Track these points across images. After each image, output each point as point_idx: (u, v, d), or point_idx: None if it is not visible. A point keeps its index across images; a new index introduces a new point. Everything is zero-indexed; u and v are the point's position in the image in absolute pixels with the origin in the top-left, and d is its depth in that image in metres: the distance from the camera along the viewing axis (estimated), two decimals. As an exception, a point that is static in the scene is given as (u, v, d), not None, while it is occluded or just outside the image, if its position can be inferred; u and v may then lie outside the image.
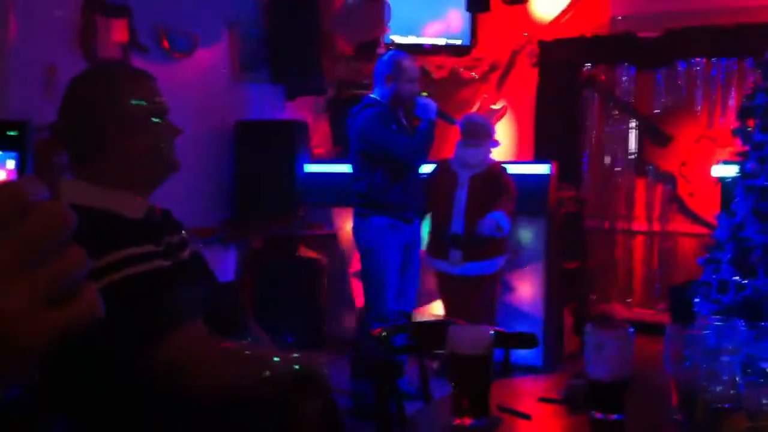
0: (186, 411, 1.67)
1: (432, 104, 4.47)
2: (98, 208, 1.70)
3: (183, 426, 1.71)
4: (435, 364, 4.64)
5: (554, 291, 5.48)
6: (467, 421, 1.77)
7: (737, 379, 1.76)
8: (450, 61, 7.05)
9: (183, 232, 1.95)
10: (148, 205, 1.86)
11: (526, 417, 1.85)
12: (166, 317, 1.62)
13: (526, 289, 5.42)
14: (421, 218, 4.78)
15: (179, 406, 1.65)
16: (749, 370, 1.87)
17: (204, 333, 1.67)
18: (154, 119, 1.87)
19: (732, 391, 1.72)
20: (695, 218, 6.56)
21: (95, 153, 1.81)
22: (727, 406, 1.62)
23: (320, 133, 6.68)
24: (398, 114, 4.51)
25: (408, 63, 4.49)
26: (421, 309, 5.31)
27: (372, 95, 4.55)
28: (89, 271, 0.60)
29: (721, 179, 5.56)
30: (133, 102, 1.85)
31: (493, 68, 7.15)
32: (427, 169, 4.83)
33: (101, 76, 1.88)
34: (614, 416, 1.78)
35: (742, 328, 1.91)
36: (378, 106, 4.46)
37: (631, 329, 1.83)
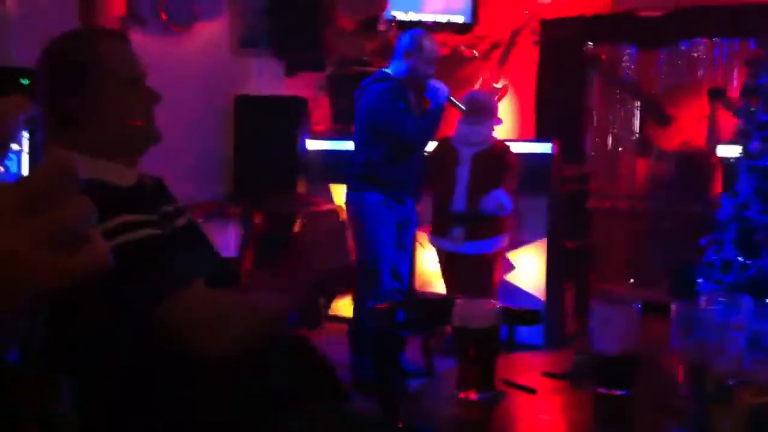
0: (191, 369, 1.65)
1: (444, 89, 4.43)
2: (87, 176, 1.66)
3: (188, 386, 1.70)
4: (436, 341, 4.63)
5: (556, 271, 5.46)
6: (472, 394, 1.76)
7: (744, 354, 1.75)
8: (451, 39, 7.00)
9: (177, 200, 1.93)
10: (138, 173, 1.84)
11: (531, 391, 1.84)
12: (161, 283, 1.60)
13: (528, 269, 5.40)
14: (416, 199, 4.72)
15: (185, 364, 1.63)
16: (756, 346, 1.86)
17: (204, 292, 1.65)
18: (136, 84, 1.83)
19: (739, 367, 1.71)
20: (697, 198, 6.54)
21: (78, 119, 1.76)
22: (734, 381, 1.61)
23: (320, 111, 6.64)
24: (408, 92, 4.47)
25: (429, 43, 4.45)
26: (421, 288, 5.30)
27: (386, 69, 4.50)
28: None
29: (724, 159, 5.54)
30: (119, 65, 1.81)
31: (494, 46, 7.11)
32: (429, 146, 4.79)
33: (84, 40, 1.84)
34: (619, 391, 1.77)
35: (749, 304, 1.90)
36: (389, 80, 4.41)
37: (637, 304, 1.82)
